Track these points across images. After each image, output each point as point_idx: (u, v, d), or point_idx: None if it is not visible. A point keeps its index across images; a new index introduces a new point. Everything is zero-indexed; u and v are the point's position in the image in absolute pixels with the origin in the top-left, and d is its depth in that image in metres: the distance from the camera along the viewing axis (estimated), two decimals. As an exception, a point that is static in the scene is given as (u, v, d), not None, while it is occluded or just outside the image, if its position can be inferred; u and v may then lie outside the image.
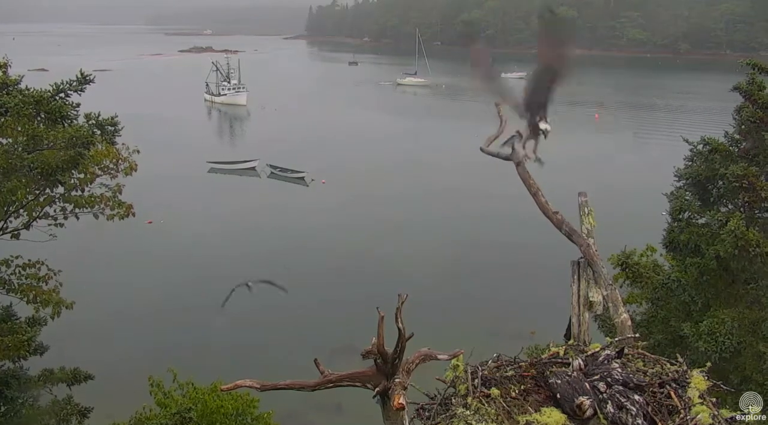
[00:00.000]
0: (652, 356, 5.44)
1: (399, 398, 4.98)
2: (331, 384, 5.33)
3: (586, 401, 4.67)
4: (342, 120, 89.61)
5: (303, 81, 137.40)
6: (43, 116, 13.59)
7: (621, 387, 4.78)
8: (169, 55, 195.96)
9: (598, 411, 4.69)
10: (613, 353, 5.31)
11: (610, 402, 4.70)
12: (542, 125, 5.72)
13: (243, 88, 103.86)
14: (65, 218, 16.03)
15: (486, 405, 4.88)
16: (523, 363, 5.41)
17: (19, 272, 15.27)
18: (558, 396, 4.84)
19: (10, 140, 14.10)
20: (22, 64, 21.37)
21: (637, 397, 4.72)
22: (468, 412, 4.85)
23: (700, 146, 13.21)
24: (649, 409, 4.73)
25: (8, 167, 13.15)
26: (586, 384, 4.82)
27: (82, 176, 15.50)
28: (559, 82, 5.59)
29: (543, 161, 6.11)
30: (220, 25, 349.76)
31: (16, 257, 15.38)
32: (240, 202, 52.41)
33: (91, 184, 16.08)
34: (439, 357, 5.57)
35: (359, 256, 40.35)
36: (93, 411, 15.71)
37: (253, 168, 62.58)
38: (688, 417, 4.65)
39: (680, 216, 13.25)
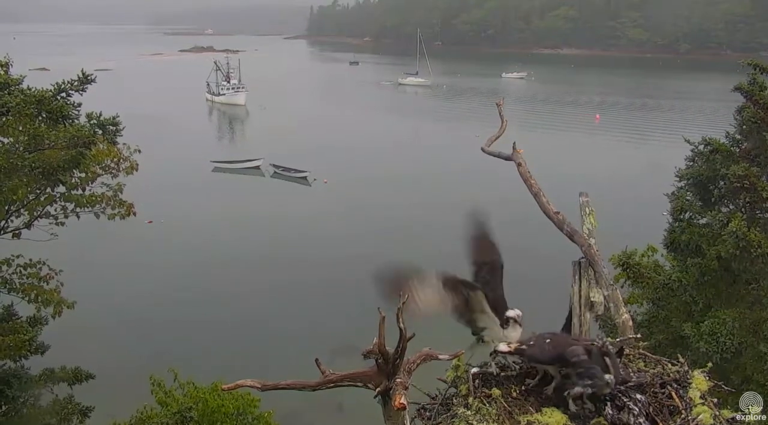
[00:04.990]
0: (654, 356, 5.43)
1: (400, 398, 4.97)
2: (332, 384, 5.31)
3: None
4: (344, 120, 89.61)
5: (304, 81, 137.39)
6: (44, 115, 13.61)
7: (623, 387, 4.79)
8: (169, 55, 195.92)
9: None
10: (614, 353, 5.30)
11: (610, 402, 4.69)
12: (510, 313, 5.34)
13: (242, 88, 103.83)
14: (66, 217, 16.06)
15: (487, 405, 4.88)
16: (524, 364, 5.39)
17: (21, 271, 15.32)
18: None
19: (12, 140, 14.14)
20: (24, 64, 21.38)
21: (639, 396, 4.73)
22: (469, 412, 4.85)
23: (701, 147, 13.21)
24: (651, 409, 4.73)
25: (9, 167, 13.17)
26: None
27: (83, 175, 15.55)
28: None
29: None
30: (221, 25, 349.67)
31: (18, 257, 15.44)
32: (243, 201, 52.43)
33: (92, 183, 16.12)
34: (440, 357, 5.57)
35: (361, 255, 40.24)
36: (94, 410, 15.75)
37: (257, 167, 62.59)
38: (690, 417, 4.65)
39: (681, 216, 13.24)
